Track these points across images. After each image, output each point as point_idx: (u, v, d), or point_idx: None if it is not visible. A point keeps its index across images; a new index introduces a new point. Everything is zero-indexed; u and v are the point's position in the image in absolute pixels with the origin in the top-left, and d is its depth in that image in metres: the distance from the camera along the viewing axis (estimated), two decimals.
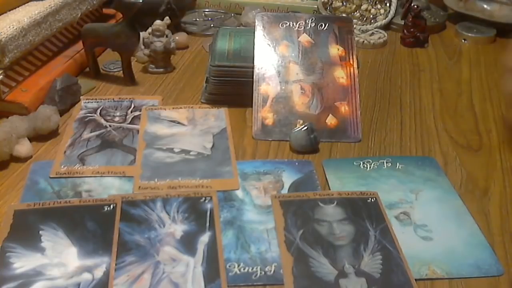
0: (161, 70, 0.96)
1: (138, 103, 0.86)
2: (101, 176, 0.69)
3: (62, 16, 0.92)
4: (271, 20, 0.90)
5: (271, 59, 0.85)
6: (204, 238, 0.60)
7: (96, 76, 0.94)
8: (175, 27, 1.08)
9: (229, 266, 0.57)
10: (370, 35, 1.12)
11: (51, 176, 0.69)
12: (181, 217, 0.62)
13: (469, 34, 1.13)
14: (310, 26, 0.89)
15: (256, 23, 0.89)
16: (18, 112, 0.78)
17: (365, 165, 0.73)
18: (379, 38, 1.11)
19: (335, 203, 0.65)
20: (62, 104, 0.82)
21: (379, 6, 1.19)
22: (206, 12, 1.23)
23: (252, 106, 0.82)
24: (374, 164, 0.73)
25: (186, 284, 0.54)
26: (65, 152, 0.73)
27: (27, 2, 0.88)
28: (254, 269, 0.57)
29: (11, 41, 0.79)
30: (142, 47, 0.95)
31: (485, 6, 1.17)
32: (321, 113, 0.81)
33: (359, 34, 1.11)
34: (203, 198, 0.65)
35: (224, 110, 0.84)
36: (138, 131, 0.79)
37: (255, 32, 0.88)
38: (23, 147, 0.72)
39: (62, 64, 0.91)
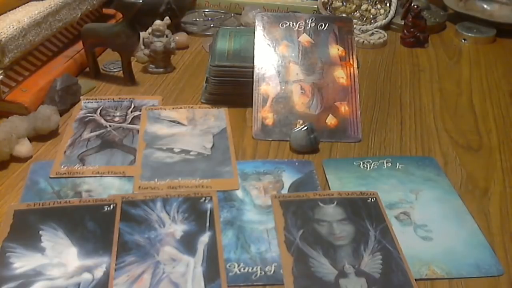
0: (161, 70, 0.96)
1: (138, 103, 0.86)
2: (101, 176, 0.69)
3: (62, 16, 0.92)
4: (271, 20, 0.90)
5: (271, 59, 0.85)
6: (204, 238, 0.60)
7: (96, 76, 0.94)
8: (175, 27, 1.08)
9: (229, 266, 0.57)
10: (370, 35, 1.12)
11: (51, 176, 0.69)
12: (181, 217, 0.62)
13: (469, 34, 1.13)
14: (310, 26, 0.89)
15: (256, 23, 0.89)
16: (18, 112, 0.78)
17: (365, 165, 0.73)
18: (379, 38, 1.11)
19: (335, 203, 0.65)
20: (62, 104, 0.82)
21: (379, 6, 1.19)
22: (206, 12, 1.23)
23: (252, 106, 0.82)
24: (374, 164, 0.73)
25: (186, 284, 0.54)
26: (65, 152, 0.73)
27: (27, 2, 0.89)
28: (254, 269, 0.57)
29: (11, 41, 0.79)
30: (142, 47, 0.95)
31: (485, 6, 1.17)
32: (321, 113, 0.81)
33: (359, 34, 1.11)
34: (203, 198, 0.65)
35: (224, 110, 0.84)
36: (138, 131, 0.79)
37: (255, 32, 0.88)
38: (23, 147, 0.72)
39: (62, 64, 0.91)
